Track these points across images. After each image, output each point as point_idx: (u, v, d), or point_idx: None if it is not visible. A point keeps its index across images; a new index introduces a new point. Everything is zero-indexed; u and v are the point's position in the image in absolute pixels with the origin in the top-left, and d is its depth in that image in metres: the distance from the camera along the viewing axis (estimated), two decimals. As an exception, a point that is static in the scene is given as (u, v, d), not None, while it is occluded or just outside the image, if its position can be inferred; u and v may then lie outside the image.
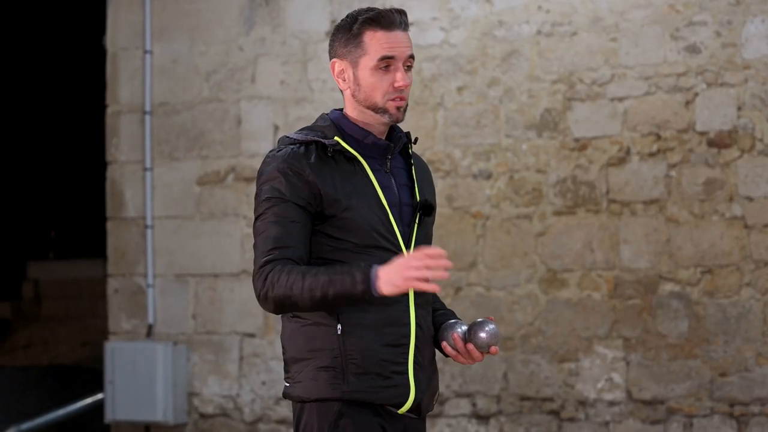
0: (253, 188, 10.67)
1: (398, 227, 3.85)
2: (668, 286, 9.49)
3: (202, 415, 10.87)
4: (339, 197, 3.74)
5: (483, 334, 3.82)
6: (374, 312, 3.81)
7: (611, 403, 9.61)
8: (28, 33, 16.36)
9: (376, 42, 3.78)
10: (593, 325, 9.68)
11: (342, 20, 3.89)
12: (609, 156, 9.68)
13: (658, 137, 9.55)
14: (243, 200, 10.78)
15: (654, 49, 9.60)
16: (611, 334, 9.63)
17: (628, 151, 9.63)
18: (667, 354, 9.46)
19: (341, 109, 3.94)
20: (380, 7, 3.88)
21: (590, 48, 9.78)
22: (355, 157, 3.81)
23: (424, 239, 3.97)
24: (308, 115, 10.53)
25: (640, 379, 9.54)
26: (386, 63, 3.79)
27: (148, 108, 11.16)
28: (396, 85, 3.80)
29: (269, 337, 10.60)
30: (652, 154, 9.56)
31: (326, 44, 10.32)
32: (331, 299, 3.64)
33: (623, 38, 9.70)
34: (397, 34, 3.79)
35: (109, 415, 10.93)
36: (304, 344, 3.80)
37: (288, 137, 3.83)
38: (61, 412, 11.38)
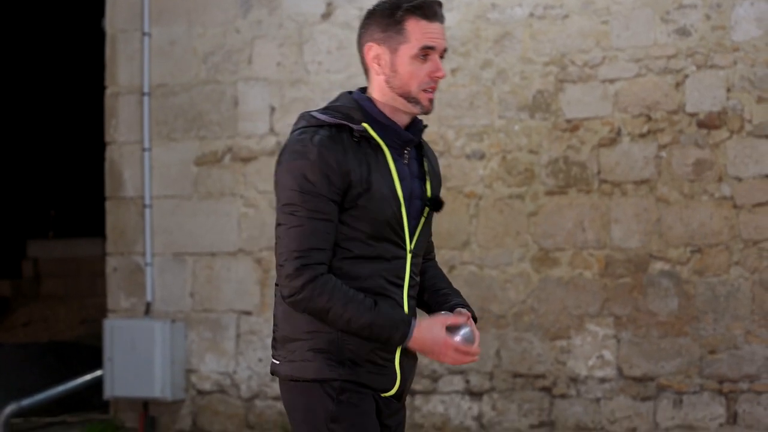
0: (250, 168, 10.74)
1: (408, 221, 3.79)
2: (658, 265, 9.47)
3: (200, 392, 10.84)
4: (362, 188, 3.65)
5: (457, 338, 3.77)
6: None
7: (602, 380, 9.59)
8: (29, 16, 16.30)
9: (418, 31, 3.66)
10: (584, 304, 9.66)
11: (380, 4, 3.74)
12: (600, 137, 9.65)
13: (649, 118, 9.51)
14: (240, 180, 10.74)
15: (644, 32, 9.55)
16: (602, 312, 9.61)
17: (619, 132, 9.59)
18: (658, 332, 9.45)
19: (363, 90, 3.82)
20: None
21: (582, 30, 9.74)
22: (379, 145, 3.70)
23: (427, 233, 3.93)
24: (304, 96, 10.50)
25: (630, 357, 9.52)
26: (425, 53, 3.68)
27: (146, 89, 11.09)
28: (434, 75, 3.70)
29: (265, 314, 10.55)
30: (642, 135, 9.53)
31: (322, 27, 10.60)
32: (364, 337, 3.63)
33: (614, 21, 9.65)
34: (437, 26, 3.70)
35: (108, 392, 10.88)
36: (300, 325, 3.73)
37: (314, 117, 3.67)
38: (60, 388, 11.32)
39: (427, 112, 3.76)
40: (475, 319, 4.00)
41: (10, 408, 10.74)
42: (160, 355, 10.65)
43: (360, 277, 3.72)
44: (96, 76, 11.68)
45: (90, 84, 12.80)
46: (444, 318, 3.69)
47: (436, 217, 10.05)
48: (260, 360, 10.52)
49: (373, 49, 3.72)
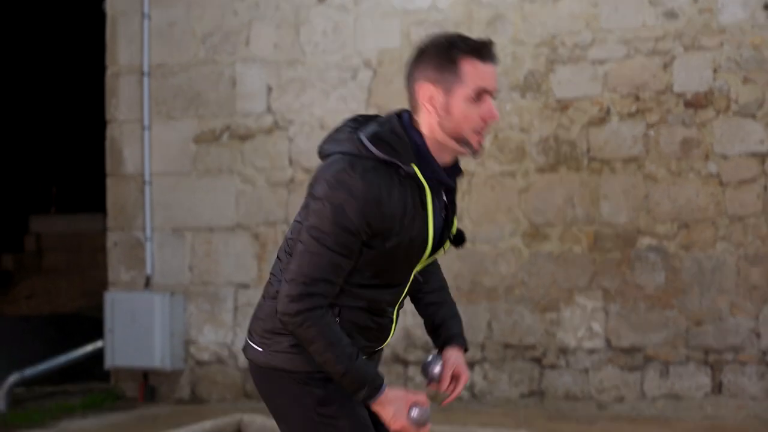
0: (247, 146, 10.59)
1: (426, 257, 3.62)
2: (646, 240, 9.37)
3: (198, 362, 10.73)
4: (395, 231, 3.44)
5: (412, 416, 3.60)
6: (368, 319, 3.61)
7: (591, 351, 9.50)
8: (31, -1, 16.15)
9: (474, 72, 3.42)
10: (574, 277, 9.55)
11: (432, 43, 3.49)
12: (590, 116, 9.53)
13: (637, 98, 9.40)
14: (237, 158, 10.63)
15: (633, 14, 9.44)
16: (591, 286, 9.51)
17: (608, 112, 9.47)
18: (645, 304, 9.36)
19: (409, 113, 3.53)
20: (475, 37, 3.53)
21: (572, 13, 9.60)
22: (423, 185, 3.45)
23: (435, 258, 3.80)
24: (300, 76, 10.36)
25: (618, 328, 9.43)
26: (480, 95, 3.44)
27: (146, 69, 10.97)
28: (488, 117, 3.46)
29: (262, 287, 10.39)
30: (631, 115, 9.41)
31: (318, 9, 10.44)
32: (335, 378, 3.47)
33: (604, 3, 9.53)
34: (492, 67, 3.48)
35: (109, 362, 10.80)
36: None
37: (365, 146, 3.39)
38: (62, 358, 11.30)
39: (476, 155, 3.56)
40: (465, 349, 3.91)
41: (13, 378, 10.67)
42: (159, 327, 10.57)
43: (363, 298, 3.58)
44: (97, 57, 11.52)
45: (91, 64, 12.61)
46: (412, 396, 3.52)
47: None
48: (258, 331, 10.38)
49: (427, 89, 3.46)
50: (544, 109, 9.67)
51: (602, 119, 9.50)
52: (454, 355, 3.84)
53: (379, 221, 3.37)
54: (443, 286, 3.94)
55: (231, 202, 10.65)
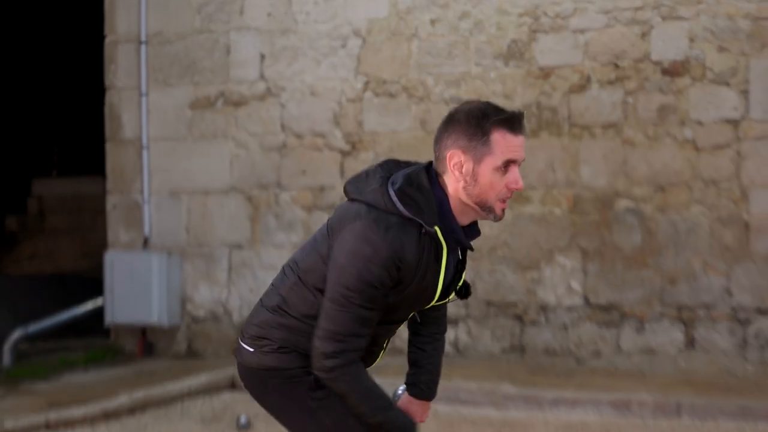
0: (241, 112, 10.49)
1: (432, 305, 3.60)
2: (624, 203, 9.31)
3: (194, 319, 10.69)
4: (410, 282, 3.38)
5: None
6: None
7: (570, 308, 9.46)
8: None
9: (504, 144, 3.32)
10: (554, 238, 9.50)
11: (466, 111, 3.37)
12: (571, 83, 9.45)
13: (616, 66, 9.32)
14: (231, 123, 10.55)
15: (613, -15, 9.35)
16: (571, 246, 9.46)
17: (588, 79, 9.40)
18: (622, 264, 9.32)
19: (437, 173, 3.43)
20: (507, 109, 3.43)
21: (554, -16, 9.51)
22: (441, 244, 3.39)
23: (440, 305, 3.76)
24: (293, 45, 10.26)
25: (596, 287, 9.39)
26: (508, 165, 3.35)
27: (143, 38, 10.87)
28: (514, 187, 3.37)
29: (256, 248, 10.43)
30: (610, 82, 9.34)
31: None
32: (371, 425, 3.45)
33: (585, -25, 9.43)
34: (521, 139, 3.38)
35: (109, 319, 10.77)
36: (286, 336, 3.51)
37: (394, 205, 3.32)
38: (64, 315, 11.29)
39: (498, 220, 3.48)
40: (427, 399, 3.89)
41: (17, 333, 10.66)
42: (157, 285, 10.55)
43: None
44: (96, 25, 11.40)
45: (92, 32, 12.48)
46: None
47: (417, 158, 9.91)
48: (251, 289, 10.43)
49: (456, 156, 3.36)
50: (526, 77, 9.59)
51: (583, 86, 9.43)
52: (407, 400, 3.84)
53: (399, 274, 3.33)
54: (437, 337, 3.86)
55: (225, 166, 10.58)
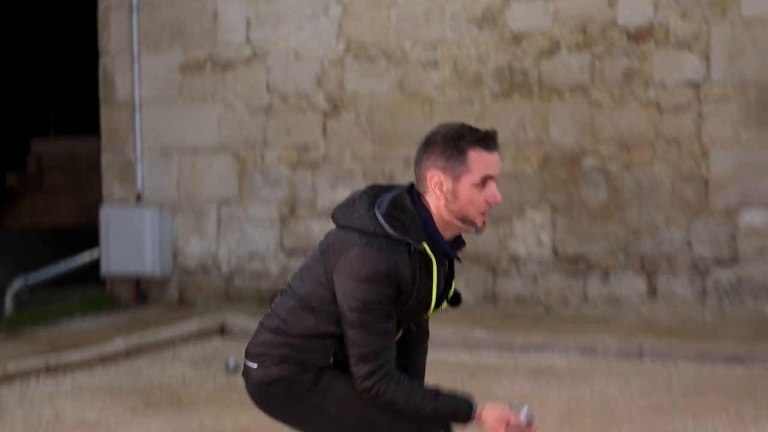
0: (228, 75, 10.42)
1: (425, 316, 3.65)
2: (591, 161, 9.31)
3: (185, 270, 10.68)
4: (407, 296, 3.40)
5: (521, 417, 3.54)
6: None
7: (539, 260, 9.47)
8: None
9: (480, 161, 3.35)
10: (525, 194, 9.50)
11: (442, 135, 3.39)
12: (541, 48, 9.41)
13: (585, 32, 9.28)
14: (219, 85, 10.50)
15: (582, -46, 9.30)
16: (540, 202, 9.46)
17: (557, 44, 9.36)
18: (589, 218, 9.33)
19: (419, 193, 3.44)
20: (481, 129, 3.44)
21: (526, -47, 9.45)
22: (430, 258, 3.42)
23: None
24: (277, 10, 10.20)
25: (564, 240, 9.40)
26: (484, 181, 3.37)
27: (135, 4, 10.79)
28: (492, 201, 3.40)
29: (243, 203, 10.41)
30: (578, 47, 9.31)
31: None
32: (430, 417, 3.42)
33: (555, -56, 9.38)
34: (496, 155, 3.36)
35: (105, 269, 10.78)
36: (287, 352, 3.50)
37: (381, 226, 3.36)
38: (62, 266, 11.30)
39: (479, 233, 3.50)
40: None
41: (18, 283, 10.66)
42: (149, 238, 10.54)
43: None
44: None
45: (86, -1, 12.39)
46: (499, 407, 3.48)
47: (396, 119, 9.93)
48: (238, 242, 10.41)
49: (436, 176, 3.38)
50: (499, 42, 9.54)
51: (552, 51, 9.39)
52: None
53: (398, 289, 3.35)
54: (422, 344, 3.84)
55: (214, 126, 10.54)
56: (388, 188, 3.52)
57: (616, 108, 9.21)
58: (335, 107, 10.08)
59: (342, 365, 3.44)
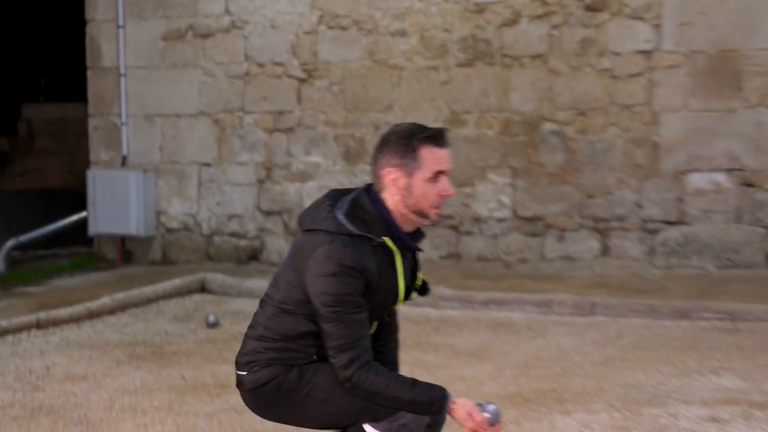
0: (208, 43, 10.31)
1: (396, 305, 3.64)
2: (548, 126, 9.29)
3: (168, 229, 10.63)
4: (375, 288, 3.42)
5: (486, 414, 3.50)
6: None
7: (500, 220, 9.46)
8: None
9: (431, 158, 3.38)
10: (487, 157, 9.47)
11: (396, 134, 3.43)
12: (503, 18, 9.35)
13: (544, 2, 9.25)
14: (200, 53, 10.40)
15: (541, -70, 9.22)
16: (501, 165, 9.44)
17: (518, 14, 9.31)
18: (546, 180, 9.32)
19: (376, 192, 3.46)
20: (432, 127, 3.48)
21: (489, -72, 9.36)
22: (393, 251, 3.46)
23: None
24: (254, -18, 10.11)
25: (523, 201, 9.39)
26: (437, 176, 3.39)
27: (119, -26, 10.65)
28: (444, 194, 3.43)
29: (222, 166, 10.36)
30: (538, 17, 9.26)
31: None
32: (407, 410, 3.39)
33: None
34: (446, 151, 3.42)
35: (92, 230, 10.71)
36: (273, 356, 3.51)
37: (343, 226, 3.39)
38: (52, 227, 11.24)
39: (434, 224, 3.53)
40: None
41: (10, 243, 10.62)
42: (134, 200, 10.47)
43: None
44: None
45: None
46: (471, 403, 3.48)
47: (366, 86, 9.89)
48: (218, 203, 10.38)
49: (392, 173, 3.42)
50: (463, 12, 9.47)
51: (513, 21, 9.33)
52: None
53: (366, 281, 3.37)
54: (393, 338, 3.80)
55: (195, 92, 10.46)
56: (347, 191, 3.54)
57: (573, 75, 9.18)
58: (309, 74, 10.00)
59: (324, 360, 3.44)
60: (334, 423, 3.46)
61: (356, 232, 3.38)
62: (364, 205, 3.45)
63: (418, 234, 3.55)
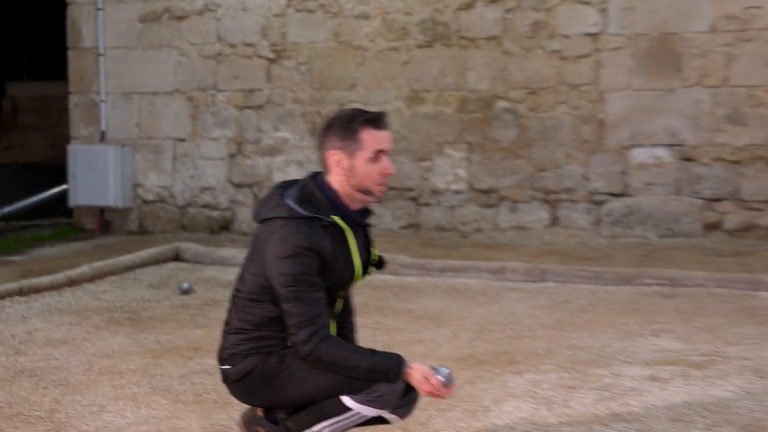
0: (183, 25, 10.18)
1: (355, 281, 3.59)
2: (502, 104, 9.25)
3: (145, 201, 10.52)
4: (331, 265, 3.41)
5: (439, 377, 3.46)
6: None
7: (456, 192, 9.44)
8: None
9: (371, 139, 3.40)
10: (444, 133, 9.43)
11: (335, 119, 3.46)
12: (460, 2, 9.31)
13: (498, -12, 9.18)
14: (175, 35, 10.27)
15: None
16: (458, 140, 9.40)
17: (474, -1, 9.25)
18: (500, 155, 9.29)
19: (321, 174, 3.48)
20: (371, 110, 3.48)
21: None
22: (344, 229, 3.42)
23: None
24: (226, -33, 9.99)
25: (479, 174, 9.36)
26: (377, 156, 3.39)
27: (98, -42, 10.49)
28: (386, 173, 3.42)
29: (196, 141, 10.26)
30: (493, 1, 9.22)
31: None
32: (368, 378, 3.36)
33: None
34: (386, 133, 3.43)
35: (72, 201, 10.60)
36: (251, 345, 3.48)
37: (294, 210, 3.39)
38: (34, 198, 11.16)
39: (379, 202, 3.54)
40: None
41: (-6, 214, 10.41)
42: (112, 173, 10.36)
43: None
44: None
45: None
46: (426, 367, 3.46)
47: (331, 66, 9.81)
48: (192, 176, 10.29)
49: (335, 155, 3.43)
50: (423, -3, 9.43)
51: (470, 5, 9.28)
52: None
53: (321, 260, 3.35)
54: (351, 320, 3.78)
55: (170, 71, 10.34)
56: (295, 181, 3.55)
57: (525, 56, 9.14)
58: (278, 54, 9.91)
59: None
60: (315, 399, 3.43)
61: (307, 214, 3.37)
62: (311, 190, 3.45)
63: (366, 212, 3.54)
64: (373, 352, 3.37)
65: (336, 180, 3.44)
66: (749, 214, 8.68)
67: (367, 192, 3.44)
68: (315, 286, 3.34)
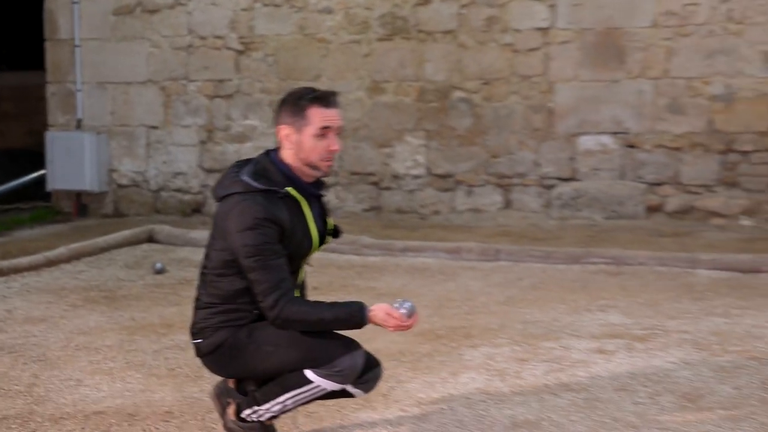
0: (155, 18, 10.04)
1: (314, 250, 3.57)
2: (458, 94, 9.22)
3: (119, 185, 10.39)
4: (290, 234, 3.38)
5: (402, 310, 3.44)
6: None
7: (415, 177, 9.41)
8: None
9: (318, 116, 3.37)
10: (404, 121, 9.39)
11: (287, 96, 3.44)
12: (418, -2, 9.26)
13: (454, -15, 9.13)
14: (147, 27, 10.13)
15: None
16: (417, 128, 9.37)
17: (431, -5, 9.20)
18: (456, 142, 9.27)
19: (275, 150, 3.47)
20: (321, 90, 3.45)
21: None
22: (298, 200, 3.41)
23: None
24: (196, -37, 9.85)
25: (436, 160, 9.34)
26: (323, 132, 3.36)
27: (74, -46, 10.32)
28: (331, 149, 3.40)
29: (168, 128, 10.14)
30: (449, -3, 9.17)
31: None
32: (335, 328, 3.37)
33: None
34: (334, 110, 3.39)
35: (50, 186, 10.45)
36: (221, 319, 3.45)
37: (249, 184, 3.37)
38: (14, 183, 10.99)
39: (326, 176, 3.52)
40: None
41: (-26, 198, 10.24)
42: (88, 158, 10.22)
43: None
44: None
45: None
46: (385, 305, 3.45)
47: (297, 57, 9.73)
48: (164, 162, 10.18)
49: (284, 130, 3.42)
50: (383, -8, 9.37)
51: (427, 0, 9.23)
52: None
53: (280, 229, 3.33)
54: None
55: (143, 62, 10.19)
56: (249, 159, 3.53)
57: (479, 49, 9.12)
58: (246, 47, 9.81)
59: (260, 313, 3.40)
60: (281, 371, 3.40)
61: (262, 187, 3.35)
62: (265, 165, 3.44)
63: (320, 183, 3.54)
64: (334, 303, 3.37)
65: (287, 154, 3.43)
66: (688, 197, 8.74)
67: (313, 166, 3.43)
68: (276, 253, 3.32)
